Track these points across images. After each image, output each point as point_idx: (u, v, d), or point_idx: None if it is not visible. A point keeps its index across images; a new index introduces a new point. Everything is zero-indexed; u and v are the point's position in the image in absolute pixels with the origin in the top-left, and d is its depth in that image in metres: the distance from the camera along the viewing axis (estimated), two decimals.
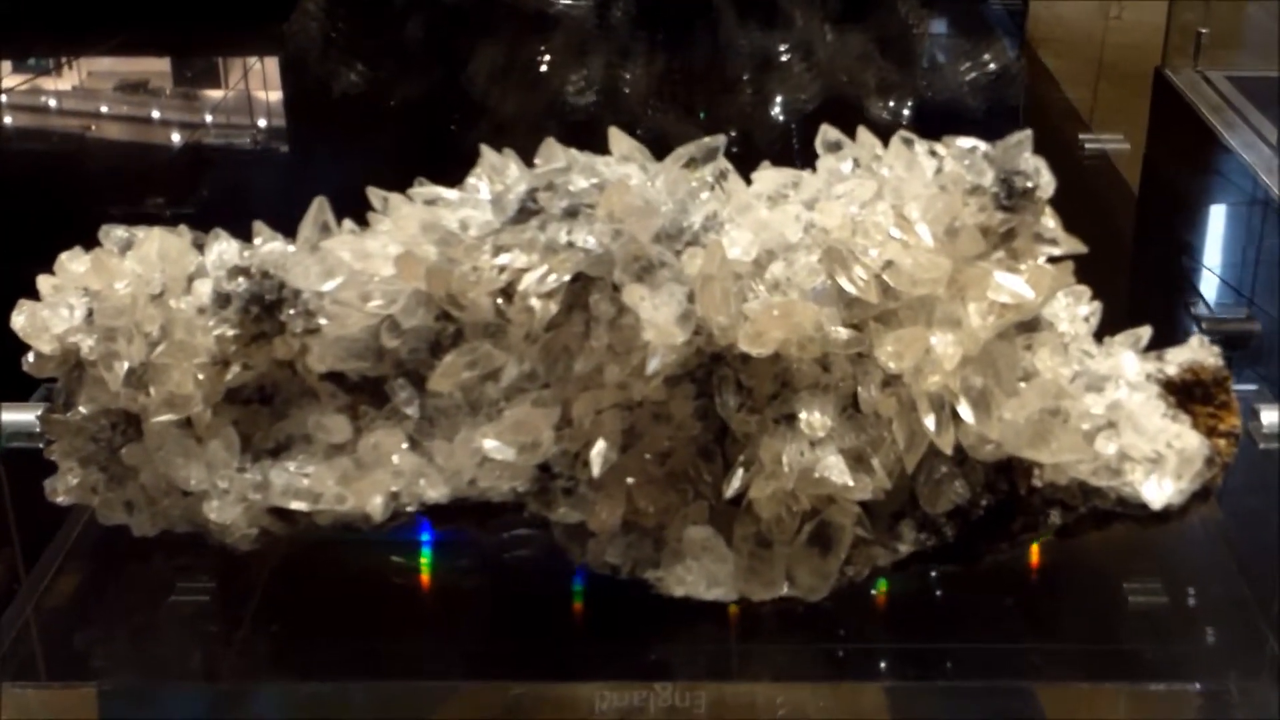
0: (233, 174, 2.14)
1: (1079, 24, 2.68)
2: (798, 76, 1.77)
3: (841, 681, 0.95)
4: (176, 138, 2.51)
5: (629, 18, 1.89)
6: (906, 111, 1.93)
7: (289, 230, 0.94)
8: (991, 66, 1.90)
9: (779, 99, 1.78)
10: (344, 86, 2.06)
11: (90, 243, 0.94)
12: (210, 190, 2.04)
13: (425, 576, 1.06)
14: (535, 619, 1.01)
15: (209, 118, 2.52)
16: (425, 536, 1.05)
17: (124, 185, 2.11)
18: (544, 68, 1.85)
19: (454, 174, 0.97)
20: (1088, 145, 2.04)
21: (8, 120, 2.59)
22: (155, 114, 2.56)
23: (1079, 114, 2.32)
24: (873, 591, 0.98)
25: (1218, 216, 2.06)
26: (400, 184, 0.96)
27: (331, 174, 1.87)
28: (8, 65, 2.63)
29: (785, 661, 0.97)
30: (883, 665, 0.97)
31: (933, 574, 1.00)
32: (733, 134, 0.96)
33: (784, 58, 1.79)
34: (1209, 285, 1.81)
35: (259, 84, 2.48)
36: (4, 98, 2.54)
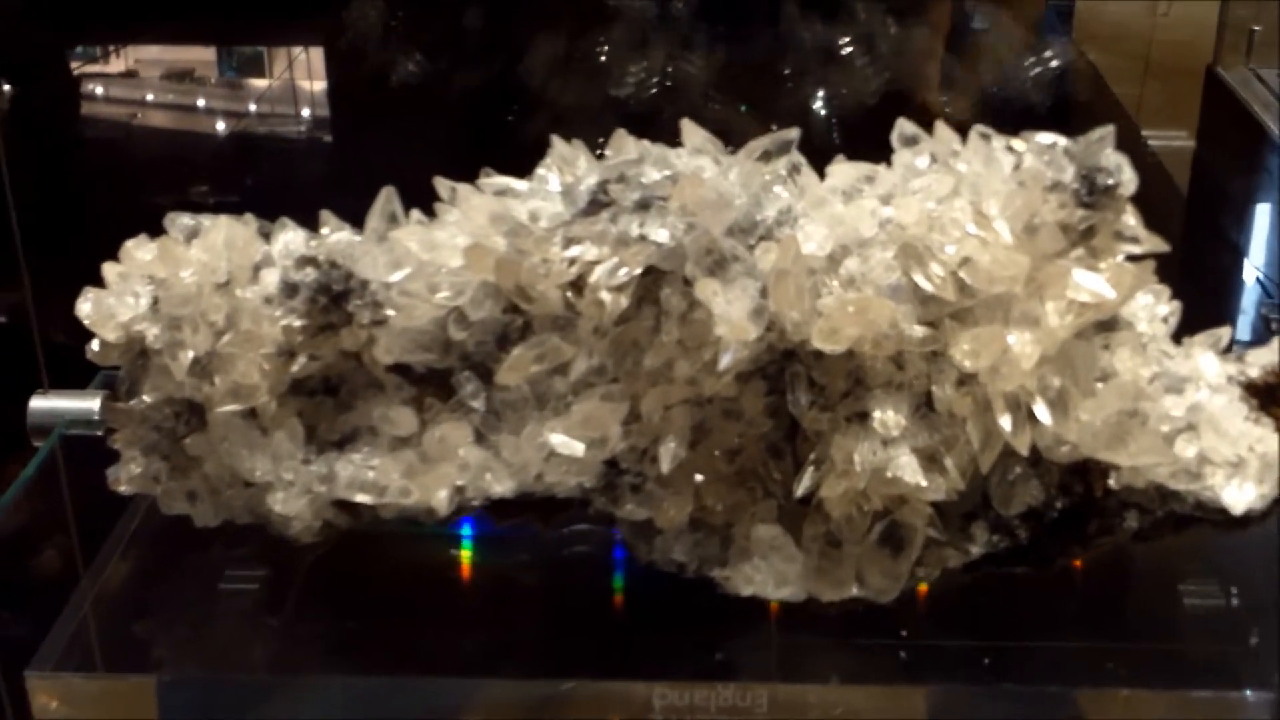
0: (289, 163, 2.13)
1: (1126, 20, 2.65)
2: (859, 70, 1.76)
3: (890, 682, 0.94)
4: (222, 126, 2.51)
5: (689, 9, 1.88)
6: (962, 105, 1.92)
7: (353, 220, 0.93)
8: (1054, 63, 1.89)
9: (837, 92, 1.78)
10: (402, 76, 2.06)
11: (133, 230, 0.93)
12: (268, 179, 2.04)
13: (486, 569, 1.05)
14: (592, 614, 1.00)
15: (252, 107, 2.52)
16: (480, 530, 1.04)
17: (176, 174, 2.12)
18: (602, 59, 1.84)
19: (511, 165, 0.95)
20: (1149, 142, 2.02)
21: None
22: (201, 102, 2.56)
23: (1127, 112, 2.29)
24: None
25: (1268, 215, 2.04)
26: (456, 174, 0.95)
27: (389, 163, 1.87)
28: None
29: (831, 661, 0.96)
30: (935, 667, 0.96)
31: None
32: (776, 125, 0.95)
33: (845, 50, 1.79)
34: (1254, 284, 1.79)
35: (308, 73, 2.48)
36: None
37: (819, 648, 0.96)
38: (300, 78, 2.52)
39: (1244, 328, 1.67)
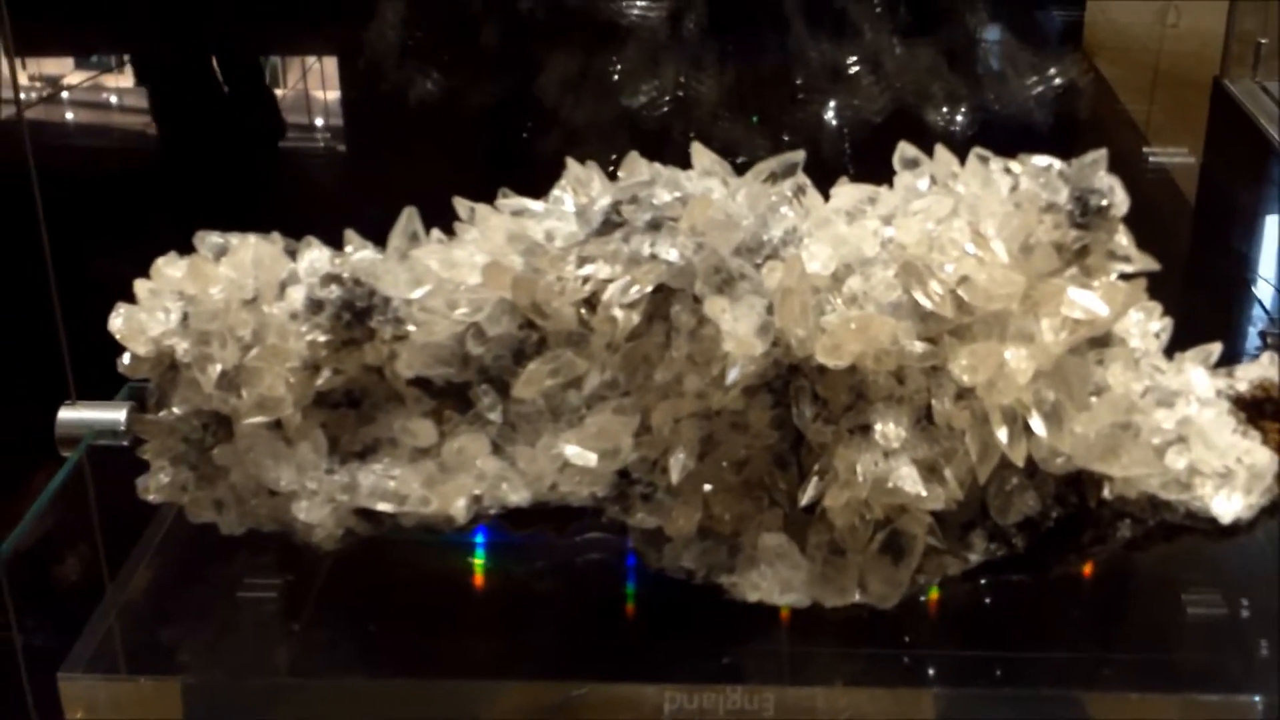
0: (308, 178, 2.15)
1: (1135, 32, 2.66)
2: (866, 88, 1.78)
3: (897, 687, 0.96)
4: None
5: (701, 28, 1.91)
6: (968, 123, 1.93)
7: (366, 235, 0.96)
8: (1057, 80, 1.92)
9: (846, 109, 1.80)
10: (420, 94, 2.09)
11: (145, 240, 0.96)
12: (288, 194, 2.07)
13: (499, 577, 1.08)
14: (604, 620, 1.02)
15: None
16: (493, 538, 1.07)
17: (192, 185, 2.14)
18: (616, 77, 1.87)
19: (527, 182, 0.98)
20: (1151, 159, 2.04)
21: (69, 117, 2.61)
22: None
23: (1136, 125, 2.30)
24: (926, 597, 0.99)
25: (1275, 228, 2.05)
26: (470, 190, 0.98)
27: (406, 180, 1.89)
28: (70, 62, 2.66)
29: (845, 666, 0.98)
30: (940, 672, 0.98)
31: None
32: (785, 140, 0.97)
33: (852, 69, 1.81)
34: (1266, 299, 1.80)
35: (328, 86, 2.50)
36: (65, 94, 2.56)
37: (826, 652, 0.98)
38: (317, 90, 2.55)
39: (1251, 340, 1.69)
